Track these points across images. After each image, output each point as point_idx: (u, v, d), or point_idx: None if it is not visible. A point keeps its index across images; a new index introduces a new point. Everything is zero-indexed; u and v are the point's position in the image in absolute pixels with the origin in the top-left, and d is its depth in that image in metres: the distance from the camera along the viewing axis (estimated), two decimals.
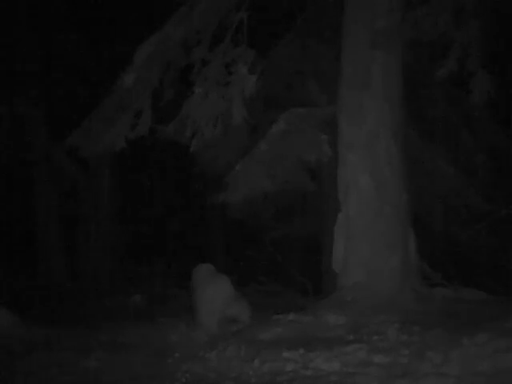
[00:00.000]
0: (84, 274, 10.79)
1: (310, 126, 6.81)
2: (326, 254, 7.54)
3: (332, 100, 6.46)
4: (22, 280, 9.97)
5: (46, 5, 10.09)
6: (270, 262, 10.74)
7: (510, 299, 5.87)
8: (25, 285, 9.78)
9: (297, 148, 6.80)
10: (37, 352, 5.33)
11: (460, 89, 7.26)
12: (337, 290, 5.92)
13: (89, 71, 10.61)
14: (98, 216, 11.09)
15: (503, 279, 8.31)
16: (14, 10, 10.28)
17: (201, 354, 4.90)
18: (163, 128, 6.29)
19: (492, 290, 6.32)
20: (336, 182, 6.15)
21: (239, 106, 5.80)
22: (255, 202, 7.19)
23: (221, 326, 5.94)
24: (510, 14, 6.23)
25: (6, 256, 9.90)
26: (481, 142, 8.71)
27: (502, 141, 8.77)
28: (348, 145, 6.01)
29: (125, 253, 11.32)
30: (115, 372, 4.71)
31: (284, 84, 7.94)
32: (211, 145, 6.66)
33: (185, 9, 6.20)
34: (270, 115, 7.20)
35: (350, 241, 5.94)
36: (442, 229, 8.52)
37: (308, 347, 4.53)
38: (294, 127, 6.81)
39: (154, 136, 6.50)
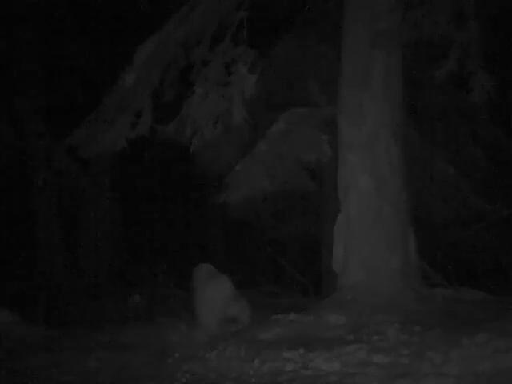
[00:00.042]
0: (84, 274, 10.78)
1: (310, 125, 6.82)
2: (325, 254, 7.54)
3: (332, 100, 6.46)
4: (22, 280, 9.96)
5: (46, 5, 10.08)
6: (270, 262, 10.75)
7: (510, 299, 5.86)
8: (25, 285, 9.77)
9: (297, 148, 6.80)
10: (37, 352, 5.33)
11: (460, 89, 7.27)
12: (337, 290, 5.92)
13: (89, 71, 10.60)
14: (98, 216, 11.08)
15: (503, 279, 8.31)
16: (15, 10, 10.27)
17: (201, 354, 4.90)
18: (163, 128, 6.29)
19: (492, 290, 6.32)
20: (336, 182, 6.15)
21: (239, 106, 5.79)
22: (255, 201, 7.21)
23: (221, 326, 5.94)
24: (509, 14, 6.23)
25: (6, 256, 9.89)
26: (481, 142, 8.72)
27: (501, 141, 8.78)
28: (348, 145, 6.01)
29: (125, 253, 11.32)
30: (115, 372, 4.71)
31: (284, 84, 7.94)
32: (211, 145, 6.67)
33: (185, 9, 6.20)
34: (269, 115, 7.21)
35: (349, 241, 5.94)
36: (441, 229, 8.52)
37: (308, 347, 4.53)
38: (294, 127, 6.82)
39: (154, 136, 6.49)
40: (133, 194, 12.09)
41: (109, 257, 11.03)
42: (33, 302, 8.48)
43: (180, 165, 10.62)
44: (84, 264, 10.96)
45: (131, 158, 10.02)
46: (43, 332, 6.12)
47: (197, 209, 12.19)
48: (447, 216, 8.40)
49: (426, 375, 3.83)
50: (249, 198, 6.88)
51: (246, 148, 7.17)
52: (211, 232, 12.80)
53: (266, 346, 4.76)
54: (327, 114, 6.68)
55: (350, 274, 5.85)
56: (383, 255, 5.79)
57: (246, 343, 4.91)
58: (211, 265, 6.55)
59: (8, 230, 10.53)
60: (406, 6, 5.78)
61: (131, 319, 7.19)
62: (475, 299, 5.94)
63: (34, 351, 5.36)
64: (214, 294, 6.06)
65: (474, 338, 4.23)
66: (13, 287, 9.18)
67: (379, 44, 5.77)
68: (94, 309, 8.56)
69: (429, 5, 5.63)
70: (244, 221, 8.95)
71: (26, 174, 10.95)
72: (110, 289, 10.11)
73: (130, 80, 6.28)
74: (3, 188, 10.61)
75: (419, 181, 7.28)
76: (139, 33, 6.56)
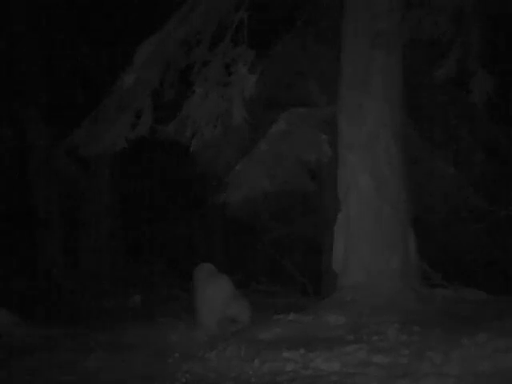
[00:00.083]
0: (84, 274, 10.78)
1: (310, 125, 6.81)
2: (326, 254, 7.54)
3: (332, 100, 6.46)
4: (22, 280, 9.97)
5: (46, 5, 10.08)
6: (270, 262, 10.74)
7: (510, 299, 5.87)
8: (25, 285, 9.78)
9: (297, 148, 6.80)
10: (37, 352, 5.34)
11: (460, 89, 7.27)
12: (337, 290, 5.92)
13: (89, 71, 10.60)
14: (98, 216, 11.08)
15: (503, 279, 8.32)
16: (14, 10, 10.27)
17: (201, 354, 4.89)
18: (163, 128, 6.29)
19: (492, 290, 6.32)
20: (336, 182, 6.15)
21: (239, 106, 5.79)
22: (255, 201, 7.20)
23: (221, 326, 5.94)
24: (509, 14, 6.24)
25: (6, 256, 9.90)
26: (481, 141, 8.72)
27: (501, 141, 8.78)
28: (348, 145, 6.01)
29: (125, 253, 11.32)
30: (115, 372, 4.71)
31: (284, 84, 7.94)
32: (211, 145, 6.67)
33: (185, 9, 6.20)
34: (270, 115, 7.21)
35: (349, 241, 5.94)
36: (441, 229, 8.52)
37: (308, 347, 4.53)
38: (294, 127, 6.82)
39: (154, 136, 6.49)
40: (133, 194, 12.09)
41: (109, 257, 11.03)
42: (33, 302, 8.49)
43: (180, 165, 10.62)
44: (84, 264, 10.96)
45: (131, 158, 10.02)
46: (43, 332, 6.12)
47: (197, 209, 12.19)
48: (447, 216, 8.41)
49: (425, 375, 3.83)
50: (249, 198, 6.88)
51: (246, 148, 7.17)
52: (211, 232, 12.81)
53: (266, 346, 4.75)
54: (327, 114, 6.68)
55: (350, 274, 5.85)
56: (383, 255, 5.79)
57: (246, 343, 4.91)
58: (212, 265, 6.54)
59: (8, 230, 10.53)
60: (405, 6, 5.78)
61: (131, 319, 7.19)
62: (475, 299, 5.94)
63: (33, 351, 5.36)
64: (214, 293, 6.06)
65: (474, 337, 4.24)
66: (13, 287, 9.20)
67: (379, 44, 5.77)
68: (94, 309, 8.57)
69: (429, 5, 5.64)
70: (244, 221, 8.94)
71: (26, 174, 10.96)
72: (110, 289, 10.12)
73: (129, 80, 6.28)
74: (3, 188, 10.62)
75: (419, 181, 7.28)
76: (139, 33, 6.56)
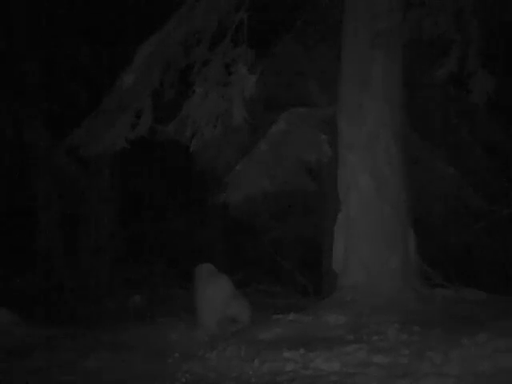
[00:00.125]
0: (84, 274, 10.78)
1: (310, 125, 6.81)
2: (325, 253, 7.54)
3: (332, 100, 6.46)
4: (22, 280, 9.97)
5: (46, 5, 10.08)
6: (270, 262, 10.74)
7: (510, 299, 5.87)
8: (25, 285, 9.78)
9: (297, 148, 6.80)
10: (37, 352, 5.33)
11: (460, 89, 7.26)
12: (337, 290, 5.93)
13: (89, 71, 10.60)
14: (98, 216, 11.08)
15: (503, 279, 8.31)
16: (14, 10, 10.27)
17: (201, 354, 4.90)
18: (163, 128, 6.28)
19: (492, 290, 6.32)
20: (336, 183, 6.15)
21: (239, 106, 5.79)
22: (255, 201, 7.20)
23: (221, 326, 5.93)
24: (509, 14, 6.23)
25: (6, 256, 9.89)
26: (481, 141, 8.72)
27: (501, 141, 8.77)
28: (348, 145, 6.01)
29: (125, 253, 11.32)
30: (115, 372, 4.71)
31: (284, 84, 7.94)
32: (211, 145, 6.66)
33: (185, 9, 6.20)
34: (270, 115, 7.21)
35: (349, 241, 5.94)
36: (441, 229, 8.52)
37: (308, 347, 4.53)
38: (294, 127, 6.81)
39: (154, 136, 6.49)
40: (133, 193, 12.09)
41: (109, 257, 11.03)
42: (33, 302, 8.48)
43: (180, 165, 10.62)
44: (84, 264, 10.96)
45: (131, 158, 10.02)
46: (43, 332, 6.12)
47: (197, 209, 12.18)
48: (447, 216, 8.41)
49: (425, 375, 3.83)
50: (249, 198, 6.88)
51: (246, 148, 7.17)
52: (211, 232, 12.80)
53: (266, 346, 4.76)
54: (327, 114, 6.68)
55: (350, 274, 5.85)
56: (383, 255, 5.79)
57: (246, 343, 4.91)
58: (212, 265, 6.54)
59: (8, 230, 10.53)
60: (405, 6, 5.78)
61: (131, 319, 7.19)
62: (475, 299, 5.94)
63: (33, 351, 5.36)
64: (215, 293, 6.06)
65: (474, 337, 4.24)
66: (13, 287, 9.20)
67: (379, 44, 5.77)
68: (95, 309, 8.57)
69: (429, 5, 5.63)
70: (244, 221, 8.94)
71: (26, 174, 10.95)
72: (110, 289, 10.12)
73: (129, 80, 6.28)
74: (3, 188, 10.62)
75: (419, 181, 7.27)
76: (139, 33, 6.56)
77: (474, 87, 5.75)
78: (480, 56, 5.66)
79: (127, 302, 8.98)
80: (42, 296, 9.26)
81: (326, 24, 7.41)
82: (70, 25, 10.39)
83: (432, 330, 4.66)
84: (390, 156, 5.90)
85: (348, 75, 6.03)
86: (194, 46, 6.08)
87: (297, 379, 4.09)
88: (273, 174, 6.80)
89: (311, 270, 9.13)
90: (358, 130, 5.96)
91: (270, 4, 7.47)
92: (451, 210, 8.32)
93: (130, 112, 6.29)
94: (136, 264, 11.07)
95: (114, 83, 6.46)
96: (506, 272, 8.71)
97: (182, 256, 11.11)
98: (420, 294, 5.75)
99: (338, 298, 5.75)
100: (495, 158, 8.83)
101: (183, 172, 11.03)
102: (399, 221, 5.90)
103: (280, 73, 7.76)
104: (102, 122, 6.48)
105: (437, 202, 8.27)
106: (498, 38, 6.93)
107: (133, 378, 4.55)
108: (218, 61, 5.89)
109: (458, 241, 8.67)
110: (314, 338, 4.91)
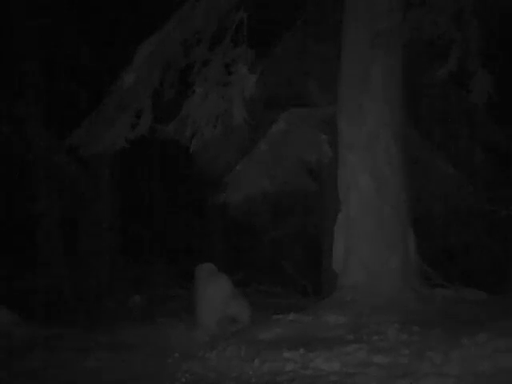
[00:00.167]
0: (84, 274, 10.78)
1: (310, 126, 6.81)
2: (325, 254, 7.54)
3: (332, 100, 6.45)
4: (22, 280, 9.96)
5: (46, 5, 10.08)
6: (270, 262, 10.74)
7: (510, 299, 5.87)
8: (25, 285, 9.77)
9: (297, 148, 6.80)
10: (37, 352, 5.34)
11: (460, 89, 7.26)
12: (337, 290, 5.92)
13: (89, 71, 10.60)
14: (98, 216, 11.08)
15: (503, 279, 8.31)
16: (14, 10, 10.26)
17: (201, 354, 4.90)
18: (163, 128, 6.29)
19: (492, 290, 6.32)
20: (336, 183, 6.15)
21: (239, 106, 5.79)
22: (255, 201, 7.20)
23: (221, 326, 5.94)
24: (509, 14, 6.23)
25: (7, 256, 9.89)
26: (481, 141, 8.72)
27: (501, 141, 8.77)
28: (348, 145, 6.01)
29: (125, 253, 11.32)
30: (115, 372, 4.72)
31: (284, 84, 7.93)
32: (211, 145, 6.66)
33: (185, 9, 6.20)
34: (270, 115, 7.20)
35: (349, 241, 5.94)
36: (441, 229, 8.52)
37: (308, 347, 4.53)
38: (293, 127, 6.82)
39: (154, 136, 6.49)
40: (133, 193, 12.09)
41: (109, 257, 11.03)
42: (33, 303, 8.48)
43: (180, 165, 10.62)
44: (84, 264, 10.96)
45: (131, 158, 10.02)
46: (43, 332, 6.12)
47: (197, 209, 12.19)
48: (447, 216, 8.40)
49: (425, 375, 3.83)
50: (249, 198, 6.88)
51: (246, 148, 7.17)
52: (211, 232, 12.80)
53: (266, 346, 4.76)
54: (327, 114, 6.68)
55: (350, 274, 5.85)
56: (383, 255, 5.79)
57: (246, 343, 4.91)
58: (212, 264, 6.54)
59: (8, 231, 10.53)
60: (405, 6, 5.78)
61: (131, 319, 7.19)
62: (475, 299, 5.94)
63: (33, 351, 5.36)
64: (215, 293, 6.06)
65: (474, 337, 4.24)
66: (13, 287, 9.19)
67: (379, 44, 5.77)
68: (95, 309, 8.57)
69: (429, 5, 5.63)
70: (244, 221, 8.94)
71: (26, 175, 10.95)
72: (110, 289, 10.12)
73: (129, 80, 6.28)
74: (3, 188, 10.61)
75: (419, 181, 7.27)
76: (139, 33, 6.56)
77: (474, 87, 5.75)
78: (480, 56, 5.66)
79: (127, 302, 8.98)
80: (41, 296, 9.25)
81: (326, 24, 7.41)
82: (70, 25, 10.40)
83: (432, 330, 4.66)
84: (390, 156, 5.90)
85: (348, 75, 6.03)
86: (193, 46, 6.09)
87: (297, 379, 4.09)
88: (273, 174, 6.80)
89: (311, 270, 9.12)
90: (357, 130, 5.95)
91: (269, 4, 7.47)
92: (451, 209, 8.32)
93: (130, 112, 6.30)
94: (136, 264, 11.07)
95: (114, 83, 6.46)
96: (506, 272, 8.70)
97: (182, 256, 11.13)
98: (420, 294, 5.75)
99: (338, 297, 5.75)
100: (495, 158, 8.83)
101: (183, 172, 11.03)
102: (399, 221, 5.90)
103: (280, 73, 7.76)
104: (102, 121, 6.48)
105: (437, 202, 8.27)
106: (498, 38, 6.92)
107: (132, 377, 4.55)
108: (218, 61, 5.89)
109: (457, 241, 8.67)
110: (314, 338, 4.91)
